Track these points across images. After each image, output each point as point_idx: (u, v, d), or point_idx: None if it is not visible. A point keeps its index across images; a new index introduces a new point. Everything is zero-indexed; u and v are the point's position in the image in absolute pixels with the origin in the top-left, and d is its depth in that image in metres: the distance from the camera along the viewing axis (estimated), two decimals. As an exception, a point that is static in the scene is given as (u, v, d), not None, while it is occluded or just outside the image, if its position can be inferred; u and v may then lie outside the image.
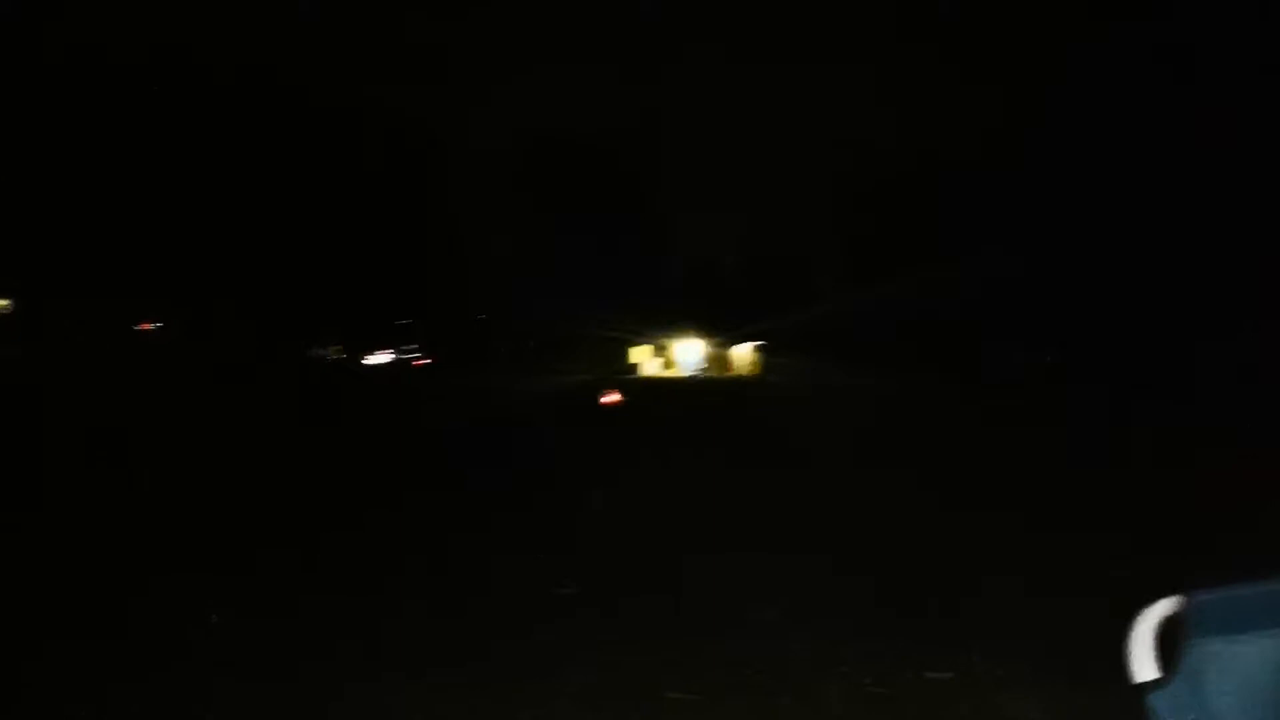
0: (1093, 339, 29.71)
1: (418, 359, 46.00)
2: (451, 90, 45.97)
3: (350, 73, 41.49)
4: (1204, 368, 22.92)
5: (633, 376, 42.85)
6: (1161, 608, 1.28)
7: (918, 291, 35.71)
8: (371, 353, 45.00)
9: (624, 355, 46.74)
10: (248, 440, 13.28)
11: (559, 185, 47.37)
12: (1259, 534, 6.08)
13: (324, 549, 6.34)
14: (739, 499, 8.53)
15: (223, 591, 5.11)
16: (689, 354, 47.19)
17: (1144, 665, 1.26)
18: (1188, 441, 13.44)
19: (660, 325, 46.45)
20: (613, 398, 20.50)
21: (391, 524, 7.33)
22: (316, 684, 3.78)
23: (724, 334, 46.35)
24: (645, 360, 47.26)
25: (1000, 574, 5.55)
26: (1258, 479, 9.25)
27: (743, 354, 47.17)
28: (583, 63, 45.45)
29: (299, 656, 4.11)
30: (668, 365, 47.40)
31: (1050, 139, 32.72)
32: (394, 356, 45.81)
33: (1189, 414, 17.34)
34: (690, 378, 43.45)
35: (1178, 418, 16.77)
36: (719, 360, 47.17)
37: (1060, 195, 31.84)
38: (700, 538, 6.78)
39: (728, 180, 49.75)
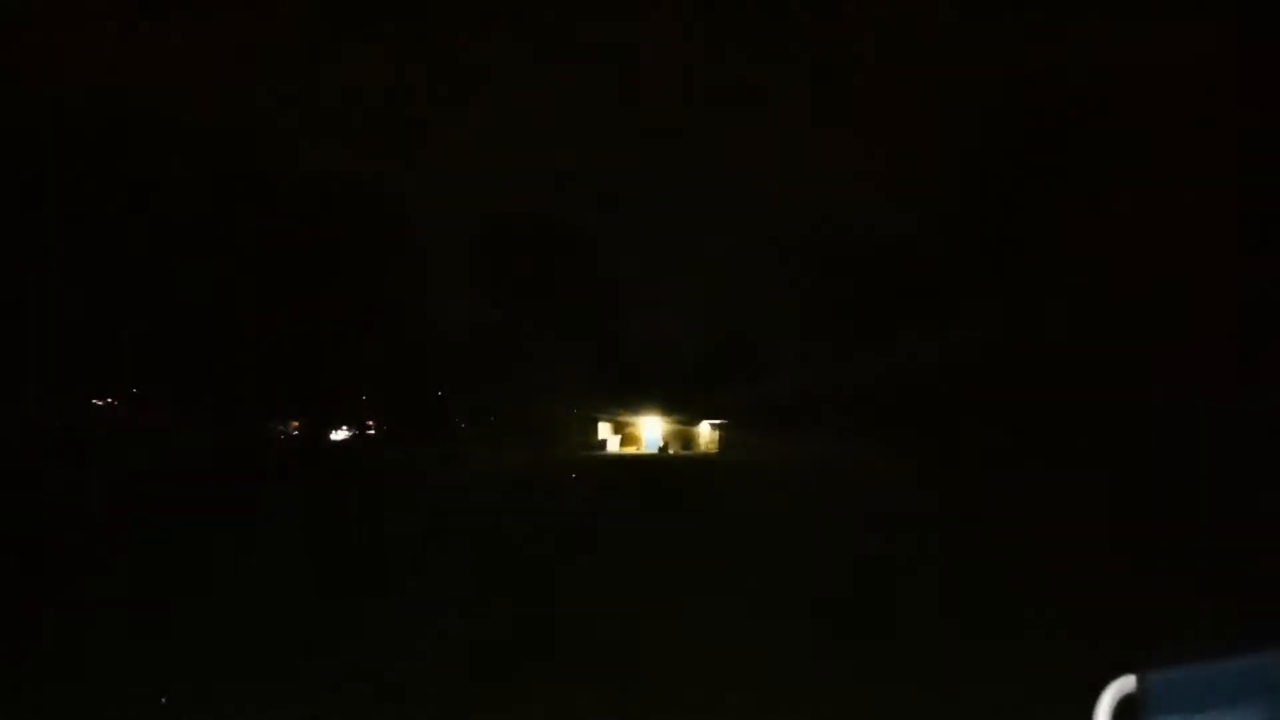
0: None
1: (373, 435, 45.48)
2: (415, 165, 46.28)
3: (302, 142, 41.51)
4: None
5: (595, 454, 42.74)
6: (1119, 686, 1.31)
7: (882, 365, 36.29)
8: (330, 429, 44.40)
9: (586, 432, 46.68)
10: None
11: (521, 261, 47.70)
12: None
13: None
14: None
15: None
16: (651, 432, 47.28)
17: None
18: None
19: (623, 402, 46.59)
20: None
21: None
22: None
23: (686, 412, 46.60)
24: (608, 437, 47.24)
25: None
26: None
27: (704, 431, 47.41)
28: (545, 142, 46.27)
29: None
30: (629, 442, 47.41)
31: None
32: (352, 433, 45.22)
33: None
34: (651, 455, 43.50)
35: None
36: (681, 438, 47.32)
37: (1024, 267, 32.48)
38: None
39: (689, 257, 50.55)
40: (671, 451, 46.20)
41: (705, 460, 40.64)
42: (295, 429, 43.44)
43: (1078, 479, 19.73)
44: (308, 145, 39.72)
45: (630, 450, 46.49)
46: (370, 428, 46.17)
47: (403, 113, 43.92)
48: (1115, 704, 1.33)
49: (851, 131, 40.86)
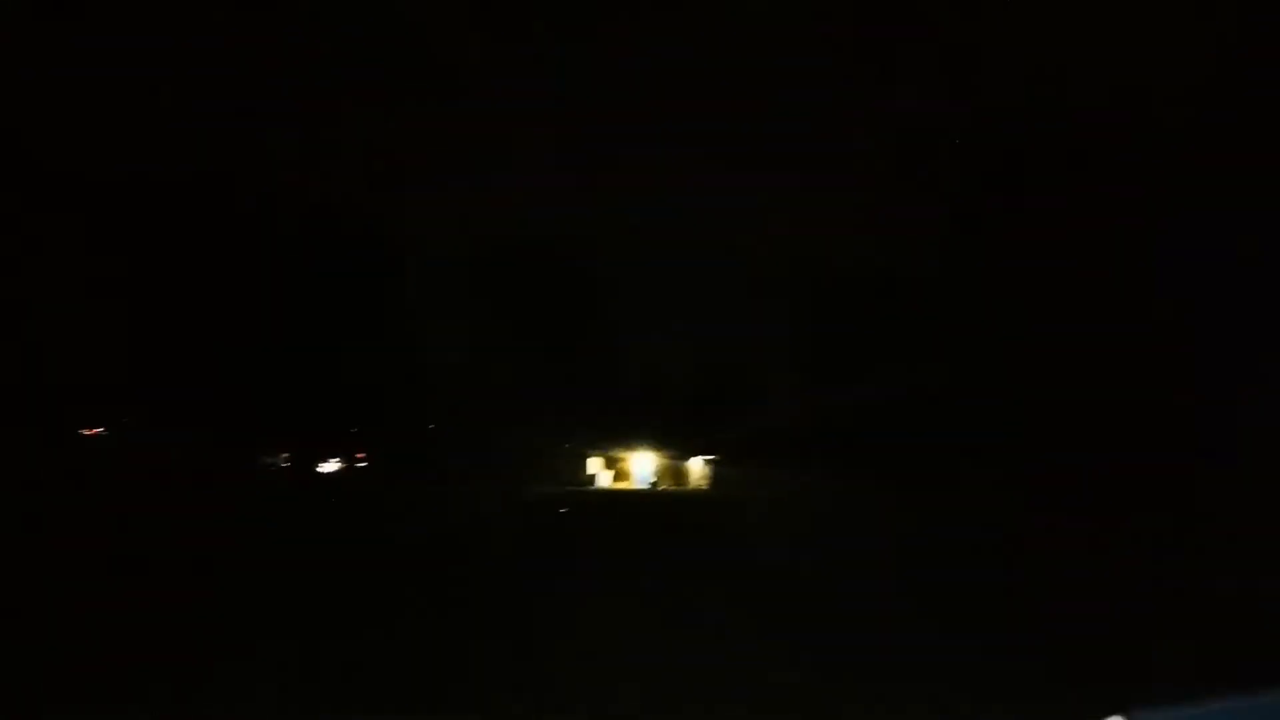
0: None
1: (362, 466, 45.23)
2: (406, 199, 46.31)
3: (291, 171, 41.46)
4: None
5: (586, 489, 42.60)
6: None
7: (876, 397, 36.37)
8: (319, 460, 44.14)
9: (578, 467, 46.57)
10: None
11: (513, 294, 47.80)
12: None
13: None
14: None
15: None
16: (642, 467, 47.20)
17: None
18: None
19: (614, 437, 46.55)
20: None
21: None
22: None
23: (678, 447, 46.58)
24: (599, 472, 47.12)
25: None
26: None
27: (696, 467, 47.35)
28: (536, 171, 46.53)
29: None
30: (621, 477, 47.30)
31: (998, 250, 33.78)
32: (342, 465, 44.95)
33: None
34: (643, 490, 43.38)
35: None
36: (673, 473, 47.23)
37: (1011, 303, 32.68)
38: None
39: (680, 293, 50.72)
40: (663, 487, 46.08)
41: (696, 497, 40.55)
42: (284, 460, 43.16)
43: (1088, 517, 19.77)
44: (297, 175, 39.60)
45: (622, 485, 46.36)
46: (360, 460, 45.91)
47: (391, 144, 43.98)
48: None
49: (837, 171, 41.38)
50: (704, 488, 45.41)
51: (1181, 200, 28.50)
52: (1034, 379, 31.75)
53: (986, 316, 34.41)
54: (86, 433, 35.82)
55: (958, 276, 35.47)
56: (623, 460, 47.50)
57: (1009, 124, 34.91)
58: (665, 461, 47.30)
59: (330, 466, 44.79)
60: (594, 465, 47.19)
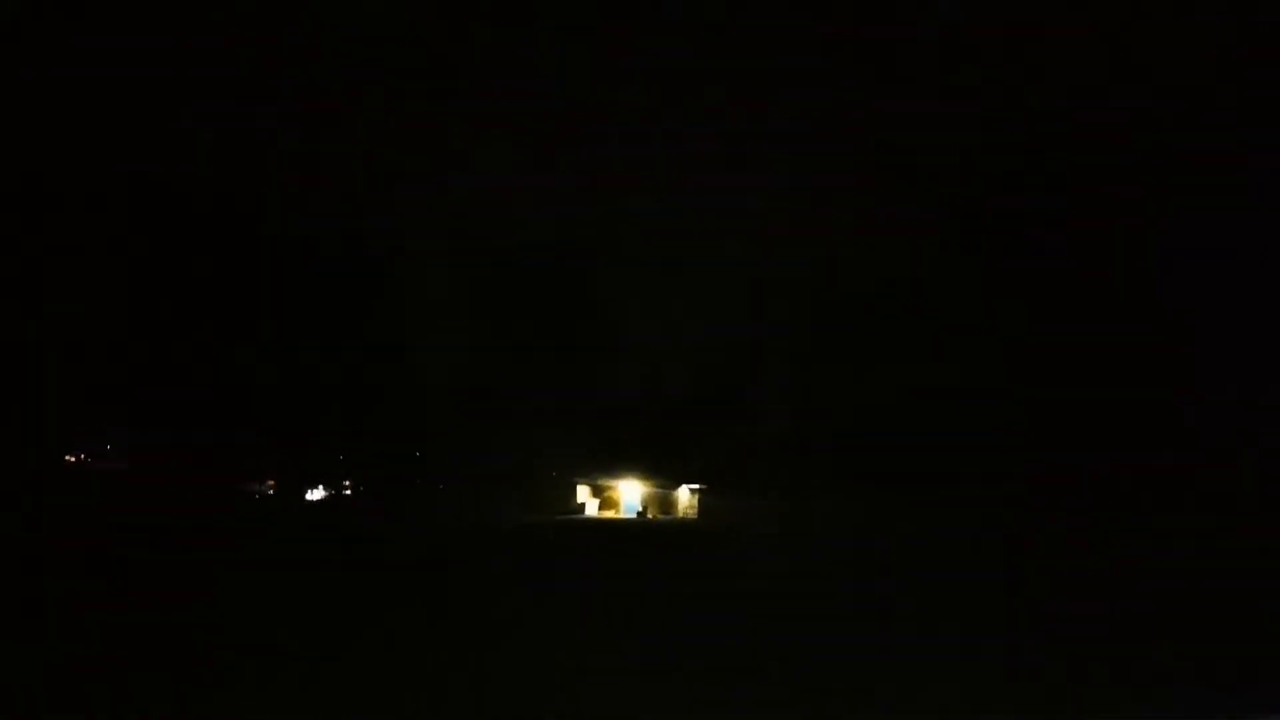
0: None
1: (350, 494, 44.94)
2: (392, 227, 45.95)
3: (285, 197, 41.13)
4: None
5: (574, 517, 42.41)
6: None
7: (865, 420, 36.33)
8: (306, 488, 43.87)
9: (565, 495, 46.39)
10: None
11: (500, 319, 47.38)
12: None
13: None
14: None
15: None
16: (630, 495, 47.04)
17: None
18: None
19: (601, 466, 46.42)
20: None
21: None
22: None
23: (665, 475, 46.47)
24: (586, 501, 46.93)
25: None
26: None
27: (684, 495, 47.22)
28: (524, 183, 46.33)
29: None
30: (608, 506, 47.11)
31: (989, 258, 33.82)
32: (329, 492, 44.68)
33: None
34: (630, 520, 43.21)
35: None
36: (661, 502, 47.08)
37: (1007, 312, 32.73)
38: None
39: (669, 323, 50.59)
40: (650, 515, 45.90)
41: (684, 526, 40.39)
42: (270, 487, 42.89)
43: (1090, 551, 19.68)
44: (290, 200, 39.41)
45: (609, 514, 46.16)
46: (347, 487, 45.64)
47: (379, 168, 43.83)
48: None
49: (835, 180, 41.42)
50: (692, 516, 45.26)
51: (1177, 202, 28.82)
52: (1030, 381, 31.67)
53: (982, 319, 34.46)
54: (70, 458, 35.63)
55: (953, 279, 35.56)
56: (610, 489, 47.34)
57: (1003, 128, 35.23)
58: (653, 490, 47.17)
59: (317, 494, 44.53)
60: (583, 493, 47.02)
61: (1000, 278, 32.75)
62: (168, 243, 35.67)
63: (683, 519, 44.99)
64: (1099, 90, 30.26)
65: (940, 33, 34.53)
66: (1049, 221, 31.38)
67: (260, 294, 37.83)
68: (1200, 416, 23.70)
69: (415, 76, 40.47)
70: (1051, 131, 31.47)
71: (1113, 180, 29.45)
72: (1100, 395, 27.06)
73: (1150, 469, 22.98)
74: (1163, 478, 22.26)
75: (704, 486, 45.90)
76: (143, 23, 33.97)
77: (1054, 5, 31.15)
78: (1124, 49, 30.02)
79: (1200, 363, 25.13)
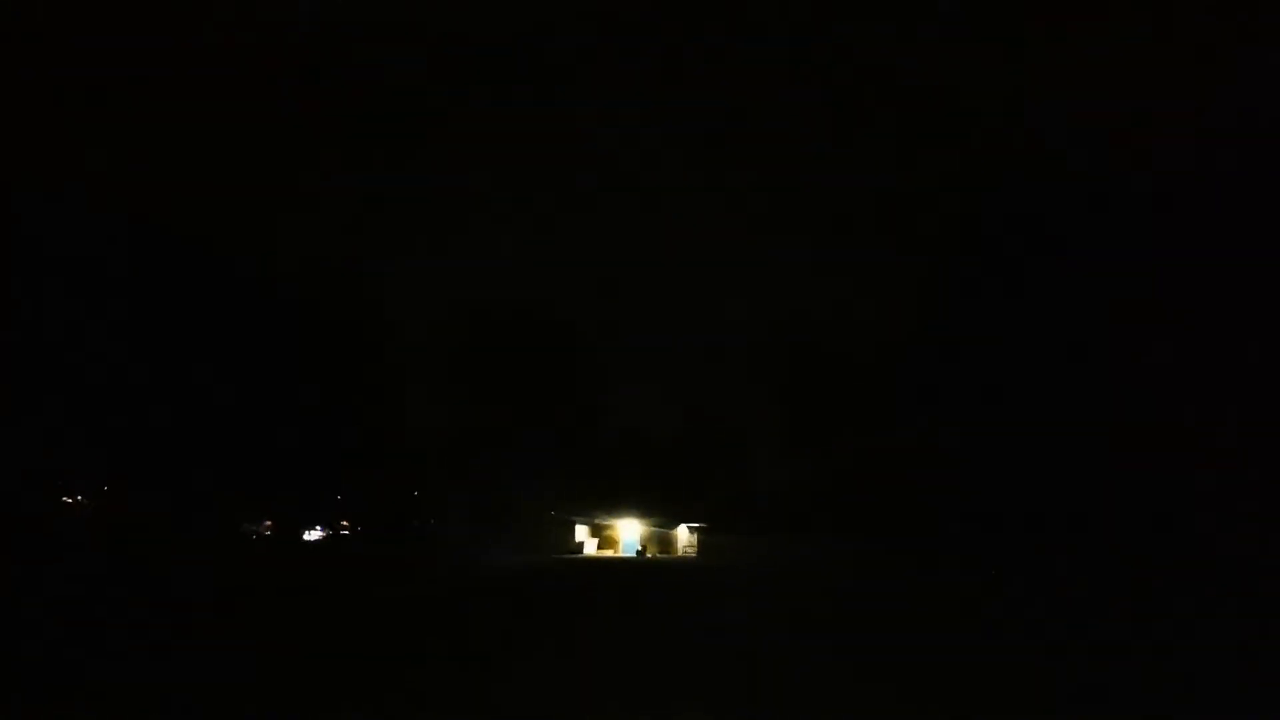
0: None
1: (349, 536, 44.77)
2: (385, 270, 46.16)
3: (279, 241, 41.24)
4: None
5: (572, 556, 42.21)
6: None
7: (864, 465, 36.39)
8: (303, 528, 43.72)
9: (564, 534, 46.23)
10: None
11: (497, 360, 47.57)
12: None
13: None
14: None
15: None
16: (629, 534, 46.90)
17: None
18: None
19: (600, 505, 46.32)
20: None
21: None
22: None
23: (664, 514, 46.37)
24: (585, 540, 46.78)
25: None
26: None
27: (683, 534, 47.07)
28: (517, 232, 46.64)
29: None
30: (606, 545, 46.93)
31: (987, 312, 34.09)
32: (326, 533, 44.52)
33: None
34: (629, 559, 43.00)
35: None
36: (659, 540, 46.91)
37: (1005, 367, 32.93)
38: None
39: (668, 362, 50.82)
40: (649, 555, 45.71)
41: (684, 565, 40.17)
42: (268, 528, 42.77)
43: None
44: (284, 244, 39.63)
45: (608, 553, 45.97)
46: (344, 527, 45.48)
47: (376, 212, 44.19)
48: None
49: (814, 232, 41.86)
50: (692, 555, 45.06)
51: (1147, 254, 29.16)
52: (1008, 443, 31.90)
53: (967, 373, 34.74)
54: (68, 500, 35.57)
55: (936, 334, 35.86)
56: (609, 528, 47.21)
57: (978, 189, 35.69)
58: (651, 529, 47.04)
59: (315, 534, 44.37)
60: (581, 532, 46.86)
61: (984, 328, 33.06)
62: (172, 293, 35.95)
63: (683, 557, 44.80)
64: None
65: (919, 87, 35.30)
66: (1036, 280, 31.82)
67: (258, 340, 37.95)
68: (1176, 478, 23.92)
69: (396, 134, 41.12)
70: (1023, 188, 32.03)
71: (1094, 241, 29.96)
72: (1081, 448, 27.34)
73: (1132, 524, 23.16)
74: (1142, 527, 22.46)
75: (704, 525, 45.78)
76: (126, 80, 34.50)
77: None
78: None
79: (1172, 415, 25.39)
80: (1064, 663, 9.88)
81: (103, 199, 34.38)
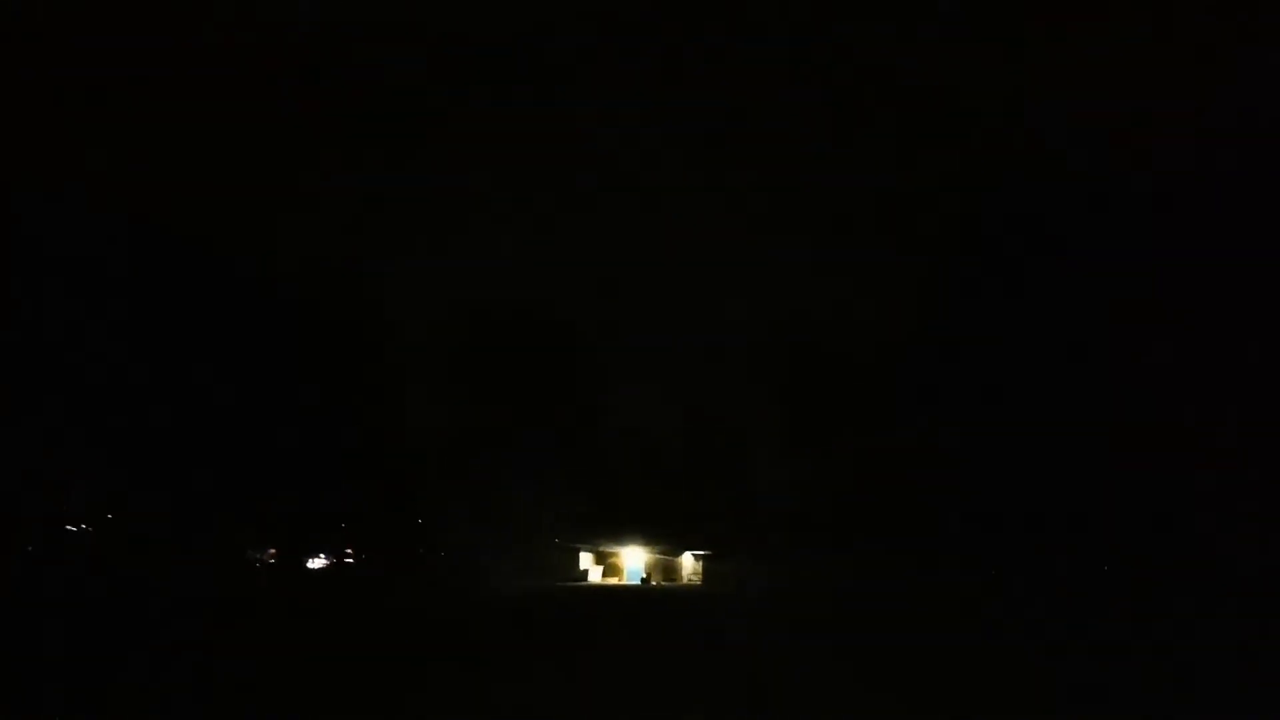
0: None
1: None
2: (382, 256, 46.01)
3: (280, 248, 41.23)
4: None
5: (577, 584, 41.94)
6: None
7: (864, 465, 36.13)
8: (308, 556, 43.49)
9: (568, 562, 45.96)
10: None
11: (497, 360, 47.21)
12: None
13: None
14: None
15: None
16: (633, 562, 46.61)
17: None
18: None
19: (605, 533, 46.08)
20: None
21: None
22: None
23: (669, 541, 46.10)
24: (590, 568, 46.50)
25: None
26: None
27: (687, 561, 46.77)
28: (517, 232, 46.67)
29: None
30: (611, 573, 46.62)
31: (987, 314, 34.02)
32: (330, 561, 44.24)
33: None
34: (634, 586, 42.71)
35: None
36: (664, 568, 46.60)
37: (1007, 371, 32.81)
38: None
39: (668, 355, 50.29)
40: (654, 582, 45.40)
41: (690, 594, 39.89)
42: (272, 556, 42.55)
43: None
44: (284, 244, 39.60)
45: (612, 581, 45.65)
46: (349, 556, 45.22)
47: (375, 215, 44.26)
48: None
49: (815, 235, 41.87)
50: (696, 583, 44.73)
51: (1145, 255, 29.16)
52: (1009, 441, 31.59)
53: (972, 373, 34.49)
54: (70, 528, 35.46)
55: (936, 334, 35.67)
56: (614, 555, 46.93)
57: (978, 190, 35.72)
58: (656, 556, 46.76)
59: (318, 562, 44.10)
60: (586, 560, 46.60)
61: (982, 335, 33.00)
62: (172, 293, 35.85)
63: (688, 584, 44.48)
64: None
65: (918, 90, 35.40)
66: (1036, 288, 31.81)
67: (258, 340, 37.77)
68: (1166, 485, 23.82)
69: (396, 135, 41.23)
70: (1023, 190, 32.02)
71: (1093, 245, 29.99)
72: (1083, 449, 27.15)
73: (1132, 524, 23.00)
74: (1142, 527, 22.30)
75: (708, 552, 45.50)
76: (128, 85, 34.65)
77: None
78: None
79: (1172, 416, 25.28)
80: (1064, 663, 9.85)
81: (103, 199, 34.38)
